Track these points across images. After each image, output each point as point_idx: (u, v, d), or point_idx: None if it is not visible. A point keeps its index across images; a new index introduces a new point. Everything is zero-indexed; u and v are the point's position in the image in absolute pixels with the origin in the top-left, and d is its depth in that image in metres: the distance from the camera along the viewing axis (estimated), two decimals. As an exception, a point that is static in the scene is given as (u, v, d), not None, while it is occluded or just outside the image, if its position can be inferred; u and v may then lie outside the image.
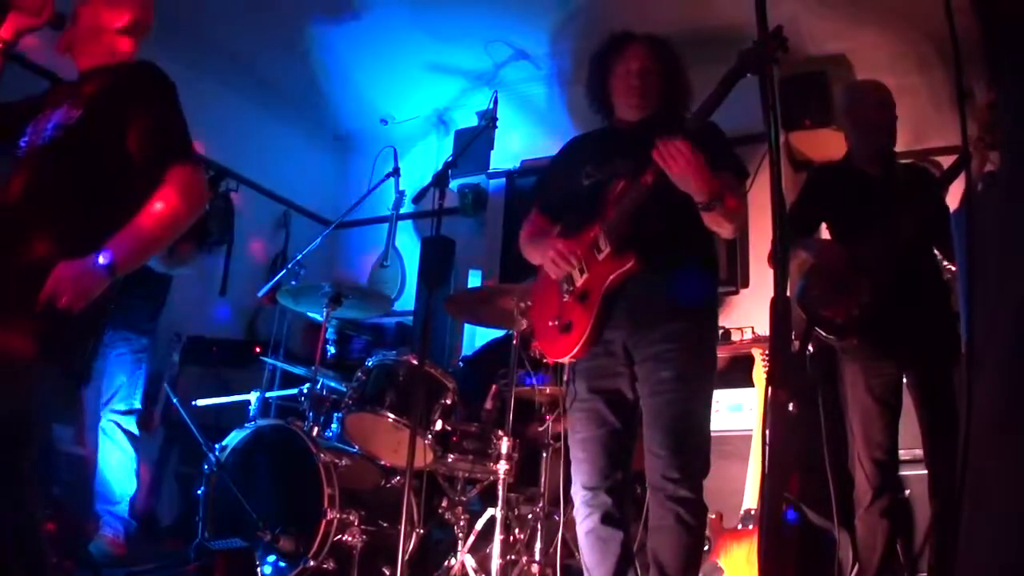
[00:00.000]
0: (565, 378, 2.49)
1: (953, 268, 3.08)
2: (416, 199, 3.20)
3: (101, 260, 1.95)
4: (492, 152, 5.67)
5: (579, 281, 2.40)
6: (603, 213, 2.38)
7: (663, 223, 2.34)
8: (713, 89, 2.20)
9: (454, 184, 5.64)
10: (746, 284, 4.59)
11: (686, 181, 2.20)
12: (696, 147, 2.18)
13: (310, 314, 4.25)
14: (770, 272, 1.22)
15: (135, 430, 3.69)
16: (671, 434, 2.24)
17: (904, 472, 3.18)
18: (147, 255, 2.13)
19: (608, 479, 2.33)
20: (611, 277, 2.32)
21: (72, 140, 2.09)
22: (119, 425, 3.65)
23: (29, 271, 1.94)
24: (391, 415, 3.20)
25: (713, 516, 2.93)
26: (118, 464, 3.63)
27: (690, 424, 2.28)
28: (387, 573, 3.22)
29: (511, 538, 3.21)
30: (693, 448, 2.27)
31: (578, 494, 2.38)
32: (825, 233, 3.27)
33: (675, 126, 2.31)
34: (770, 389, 1.17)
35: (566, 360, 2.47)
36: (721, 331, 3.79)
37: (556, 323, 2.44)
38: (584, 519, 2.35)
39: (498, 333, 4.49)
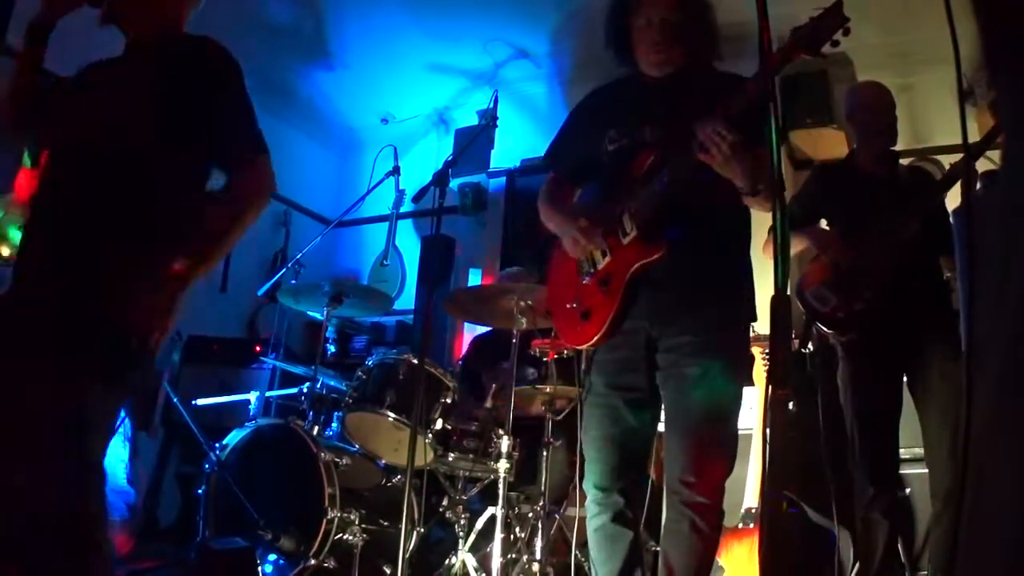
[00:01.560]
0: (582, 368, 2.34)
1: (952, 273, 3.08)
2: (416, 198, 3.18)
3: (178, 270, 1.80)
4: (492, 151, 5.68)
5: (601, 264, 2.24)
6: (630, 190, 2.19)
7: (696, 209, 2.15)
8: (761, 67, 1.90)
9: (454, 183, 5.64)
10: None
11: (730, 169, 2.02)
12: (736, 129, 1.96)
13: (310, 313, 4.25)
14: (770, 270, 1.21)
15: None
16: (692, 435, 2.11)
17: (904, 471, 3.18)
18: (222, 255, 1.96)
19: (621, 479, 2.22)
20: (636, 265, 2.15)
21: (133, 120, 1.88)
22: None
23: (92, 271, 1.77)
24: (391, 414, 3.20)
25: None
26: None
27: (713, 426, 2.12)
28: (388, 572, 3.22)
29: (512, 537, 3.21)
30: (714, 451, 2.12)
31: (589, 492, 2.27)
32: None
33: (704, 82, 2.16)
34: (770, 388, 1.17)
35: (584, 348, 2.31)
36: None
37: (575, 306, 2.29)
38: (594, 517, 2.25)
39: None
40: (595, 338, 2.21)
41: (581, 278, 2.30)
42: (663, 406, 2.22)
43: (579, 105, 2.53)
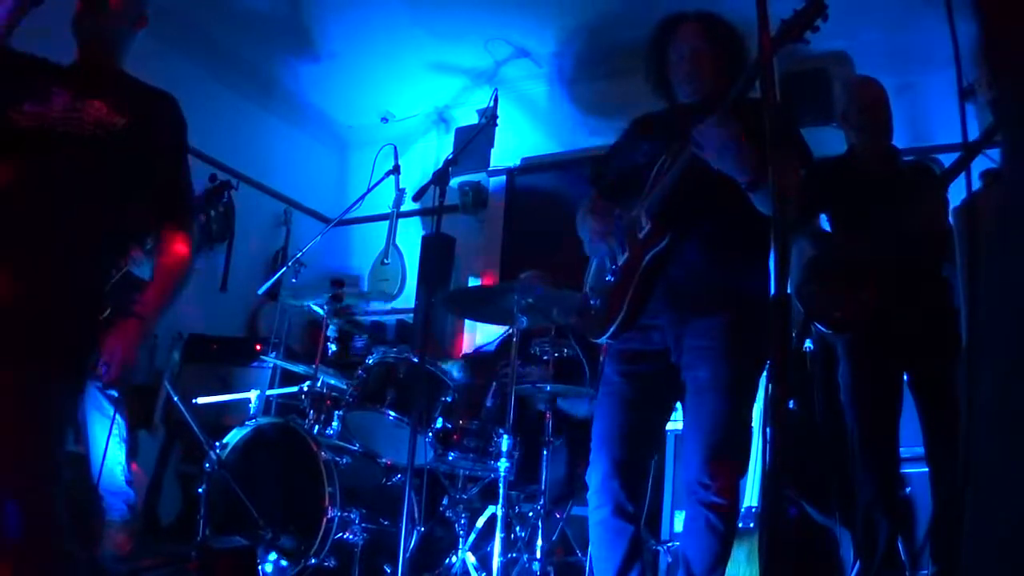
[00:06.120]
0: (601, 359, 2.44)
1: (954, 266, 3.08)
2: (416, 197, 3.19)
3: (139, 322, 1.95)
4: (492, 150, 5.67)
5: (621, 261, 2.35)
6: (648, 190, 2.32)
7: (704, 199, 2.23)
8: (751, 63, 2.13)
9: (454, 182, 5.62)
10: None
11: (723, 161, 2.10)
12: (735, 123, 2.06)
13: (313, 307, 4.24)
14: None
15: (114, 392, 3.67)
16: (706, 437, 2.16)
17: (905, 469, 3.18)
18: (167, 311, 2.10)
19: (622, 471, 2.25)
20: (647, 256, 2.26)
21: (115, 147, 1.96)
22: (100, 389, 3.64)
23: (55, 272, 1.84)
24: (392, 413, 3.20)
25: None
26: (102, 429, 3.61)
27: (727, 428, 2.17)
28: (388, 571, 3.22)
29: (512, 536, 3.21)
30: (728, 453, 2.18)
31: (592, 482, 2.31)
32: (825, 228, 3.27)
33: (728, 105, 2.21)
34: (770, 387, 1.17)
35: (602, 341, 2.40)
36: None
37: (598, 303, 2.41)
38: (595, 509, 2.29)
39: (498, 331, 4.50)
40: (612, 329, 2.31)
41: (605, 276, 2.41)
42: (682, 406, 2.28)
43: (623, 132, 2.65)
